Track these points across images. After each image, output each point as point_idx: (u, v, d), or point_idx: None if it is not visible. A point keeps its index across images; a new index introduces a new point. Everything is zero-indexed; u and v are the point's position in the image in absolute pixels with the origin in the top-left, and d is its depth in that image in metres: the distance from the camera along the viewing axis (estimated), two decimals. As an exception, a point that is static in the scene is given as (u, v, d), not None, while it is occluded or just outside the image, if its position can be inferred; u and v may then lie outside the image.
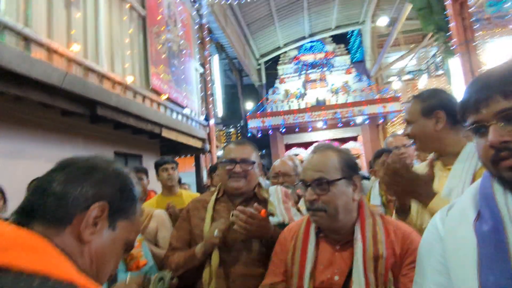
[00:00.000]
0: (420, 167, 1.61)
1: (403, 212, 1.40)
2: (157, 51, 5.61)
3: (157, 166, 3.19)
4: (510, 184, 0.69)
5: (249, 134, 15.56)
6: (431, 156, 1.54)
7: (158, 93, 5.57)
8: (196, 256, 1.48)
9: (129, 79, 4.60)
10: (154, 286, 1.32)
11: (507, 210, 0.68)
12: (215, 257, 1.44)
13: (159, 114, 5.41)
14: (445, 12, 6.77)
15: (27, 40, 3.03)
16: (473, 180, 1.27)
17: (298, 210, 1.76)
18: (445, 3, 6.59)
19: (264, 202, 1.62)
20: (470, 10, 6.56)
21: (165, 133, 5.68)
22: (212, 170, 3.83)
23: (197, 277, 1.50)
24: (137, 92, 4.88)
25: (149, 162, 6.49)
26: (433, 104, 1.39)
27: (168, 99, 5.90)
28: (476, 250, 0.68)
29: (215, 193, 1.67)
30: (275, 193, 1.68)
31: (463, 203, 0.78)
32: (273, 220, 1.50)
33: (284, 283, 1.21)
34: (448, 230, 0.77)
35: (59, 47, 3.33)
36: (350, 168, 1.17)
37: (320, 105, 14.58)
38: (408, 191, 1.24)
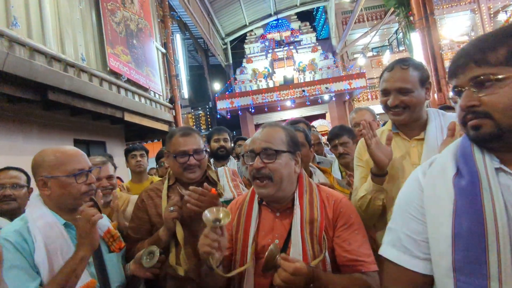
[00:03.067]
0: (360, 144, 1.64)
1: (380, 176, 1.42)
2: (113, 30, 5.25)
3: (126, 153, 3.23)
4: (475, 141, 0.79)
5: (218, 116, 15.35)
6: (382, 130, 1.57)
7: (117, 75, 5.25)
8: (161, 238, 1.53)
9: (83, 61, 4.29)
10: (144, 260, 1.40)
11: (484, 166, 0.76)
12: (179, 230, 1.51)
13: (120, 97, 5.13)
14: (405, -13, 6.86)
15: (-44, 17, 2.69)
16: None
17: (245, 186, 1.90)
18: (405, -23, 6.67)
19: (214, 184, 1.72)
20: (429, -16, 6.69)
21: (128, 117, 5.42)
22: (159, 157, 3.53)
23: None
24: (94, 75, 4.56)
25: (113, 148, 6.21)
26: (426, 74, 1.44)
27: (129, 81, 5.59)
28: (453, 201, 0.77)
29: (166, 181, 1.70)
30: (224, 174, 1.82)
31: (444, 159, 0.86)
32: (225, 197, 1.64)
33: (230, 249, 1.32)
34: (429, 182, 0.85)
35: (-4, 25, 2.99)
36: (294, 144, 1.29)
37: (288, 84, 14.59)
38: None
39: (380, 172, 1.40)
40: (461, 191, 0.77)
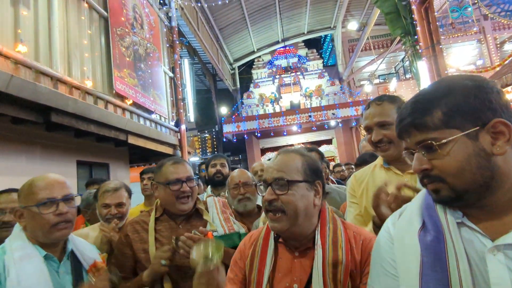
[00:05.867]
0: (363, 172, 1.56)
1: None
2: (121, 54, 5.34)
3: (140, 175, 3.28)
4: (437, 202, 0.76)
5: (224, 139, 15.37)
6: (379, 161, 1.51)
7: (123, 98, 5.28)
8: (144, 283, 1.43)
9: (88, 83, 4.32)
10: None
11: (446, 221, 0.74)
12: (167, 285, 1.42)
13: (124, 120, 5.13)
14: (411, 17, 6.94)
15: (-36, 39, 2.73)
16: None
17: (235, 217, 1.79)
18: (412, 7, 6.76)
19: (203, 217, 1.63)
20: (435, 15, 6.76)
21: (132, 140, 5.40)
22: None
23: None
24: (99, 97, 4.59)
25: (117, 171, 6.16)
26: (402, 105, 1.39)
27: (134, 104, 5.62)
28: (420, 258, 0.73)
29: (153, 213, 1.61)
30: (214, 205, 1.70)
31: (411, 211, 0.82)
32: (215, 234, 1.54)
33: None
34: (397, 235, 0.81)
35: (3, 48, 3.03)
36: (313, 172, 1.13)
37: (294, 109, 14.65)
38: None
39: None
40: (426, 247, 0.73)
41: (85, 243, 1.44)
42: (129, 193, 2.17)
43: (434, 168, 0.72)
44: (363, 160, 2.36)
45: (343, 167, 4.93)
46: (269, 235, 1.17)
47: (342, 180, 4.12)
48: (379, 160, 1.54)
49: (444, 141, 0.70)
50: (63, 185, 1.32)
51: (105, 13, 5.09)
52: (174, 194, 1.53)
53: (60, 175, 1.37)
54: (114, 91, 5.00)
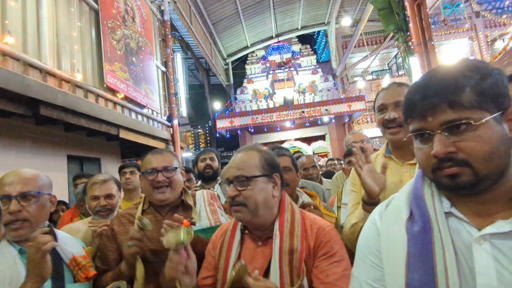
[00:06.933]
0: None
1: (372, 204, 1.33)
2: (112, 47, 5.26)
3: (119, 170, 3.23)
4: (448, 189, 0.72)
5: (217, 135, 15.34)
6: (381, 151, 1.53)
7: (114, 92, 5.22)
8: (122, 272, 1.43)
9: (78, 76, 4.25)
10: None
11: (434, 211, 0.72)
12: (139, 266, 1.41)
13: (116, 114, 5.07)
14: (404, 13, 6.98)
15: (-51, 30, 2.66)
16: None
17: (225, 210, 1.80)
18: (404, 3, 6.79)
19: (190, 209, 1.63)
20: (427, 11, 6.81)
21: (123, 134, 5.34)
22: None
23: None
24: (89, 91, 4.53)
25: (108, 165, 6.10)
26: None
27: (126, 98, 5.56)
28: (406, 249, 0.72)
29: (141, 205, 1.61)
30: (202, 197, 1.71)
31: (399, 200, 0.81)
32: (200, 225, 1.55)
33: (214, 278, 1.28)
34: (384, 226, 0.80)
35: (-11, 39, 2.97)
36: (270, 166, 1.23)
37: (287, 105, 14.67)
38: None
39: (371, 201, 1.32)
40: (413, 238, 0.72)
41: (66, 236, 1.42)
42: (119, 185, 2.16)
43: (460, 151, 0.67)
44: (351, 152, 2.40)
45: (335, 161, 5.27)
46: (237, 227, 1.28)
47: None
48: (381, 150, 1.55)
49: (482, 121, 0.65)
50: (24, 181, 1.26)
51: (96, 5, 5.00)
52: (150, 183, 1.53)
53: (33, 170, 1.32)
54: (105, 85, 4.93)
